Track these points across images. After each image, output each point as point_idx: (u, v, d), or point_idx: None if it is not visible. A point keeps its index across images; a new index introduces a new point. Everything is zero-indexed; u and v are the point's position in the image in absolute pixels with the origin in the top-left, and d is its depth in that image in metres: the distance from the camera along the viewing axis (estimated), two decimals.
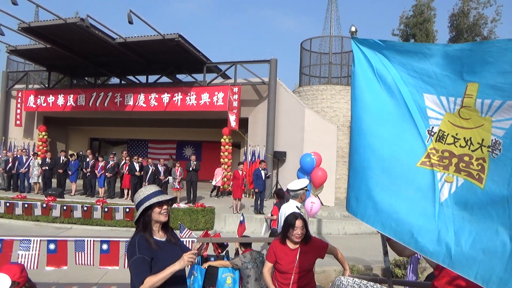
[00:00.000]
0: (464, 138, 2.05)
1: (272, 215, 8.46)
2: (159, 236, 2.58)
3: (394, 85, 2.28)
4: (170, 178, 14.15)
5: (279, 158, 15.35)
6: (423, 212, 2.09)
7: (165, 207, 2.58)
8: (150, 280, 2.29)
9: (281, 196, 10.06)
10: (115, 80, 21.92)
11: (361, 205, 2.39)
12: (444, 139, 2.14)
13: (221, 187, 15.85)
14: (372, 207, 2.26)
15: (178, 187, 13.47)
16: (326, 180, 10.85)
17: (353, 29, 2.62)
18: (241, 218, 9.56)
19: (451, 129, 2.11)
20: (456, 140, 2.09)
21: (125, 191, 14.24)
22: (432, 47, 2.13)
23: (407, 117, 2.23)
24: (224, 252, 5.53)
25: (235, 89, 15.87)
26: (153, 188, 2.61)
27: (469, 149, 2.03)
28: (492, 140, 1.94)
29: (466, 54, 1.99)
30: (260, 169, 12.54)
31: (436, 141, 2.17)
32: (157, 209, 2.54)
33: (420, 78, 2.19)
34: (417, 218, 2.08)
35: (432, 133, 2.19)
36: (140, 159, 14.57)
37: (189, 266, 2.47)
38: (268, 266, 3.31)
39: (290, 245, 3.29)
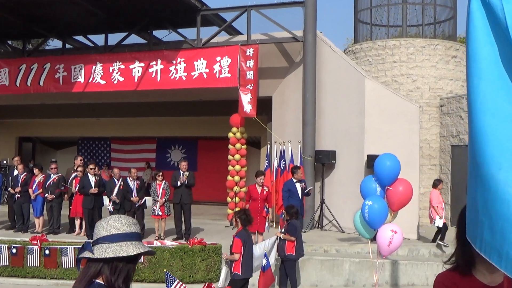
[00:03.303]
0: None
1: (232, 252, 8.59)
2: None
3: None
4: (148, 199, 14.26)
5: (324, 162, 15.28)
6: None
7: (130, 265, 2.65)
8: None
9: (293, 214, 10.21)
10: (55, 44, 22.30)
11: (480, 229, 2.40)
12: None
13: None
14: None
15: (160, 213, 13.56)
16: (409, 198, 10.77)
17: None
18: (264, 262, 9.60)
19: None
20: None
21: (77, 222, 14.34)
22: None
23: None
24: None
25: (250, 51, 15.88)
26: (121, 225, 2.64)
27: None
28: None
29: None
30: (294, 181, 12.49)
31: None
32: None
33: None
34: None
35: None
36: (97, 169, 14.75)
37: None
38: None
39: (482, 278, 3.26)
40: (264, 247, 9.89)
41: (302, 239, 12.11)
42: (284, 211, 10.54)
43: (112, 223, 2.63)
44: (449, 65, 17.43)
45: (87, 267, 2.67)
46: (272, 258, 10.12)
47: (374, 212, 9.54)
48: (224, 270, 8.98)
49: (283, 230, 10.31)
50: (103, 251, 2.58)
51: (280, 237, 10.24)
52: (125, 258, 2.59)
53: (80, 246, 2.69)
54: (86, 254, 2.61)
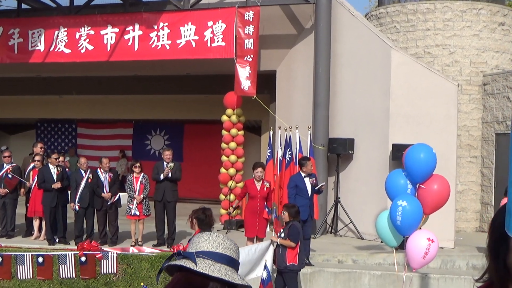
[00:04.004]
0: None
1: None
2: None
3: None
4: (123, 196, 14.28)
5: (340, 152, 15.30)
6: None
7: None
8: None
9: (294, 215, 10.20)
10: (8, 3, 22.13)
11: None
12: None
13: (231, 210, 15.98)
14: None
15: (138, 213, 13.57)
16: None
17: None
18: (264, 275, 9.64)
19: None
20: None
21: (35, 223, 14.36)
22: None
23: None
24: None
25: (249, 15, 15.81)
26: (228, 246, 2.77)
27: None
28: None
29: None
30: (303, 175, 12.50)
31: None
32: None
33: None
34: None
35: None
36: (61, 158, 14.74)
37: None
38: None
39: None
40: (249, 253, 9.85)
41: (309, 246, 12.20)
42: (283, 211, 10.52)
43: (220, 241, 2.73)
44: (495, 34, 17.40)
45: (188, 279, 2.72)
46: (261, 269, 9.98)
47: (408, 216, 9.46)
48: None
49: (281, 234, 10.31)
50: (207, 267, 2.65)
51: (277, 243, 10.24)
52: (225, 283, 2.67)
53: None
54: (187, 264, 2.67)
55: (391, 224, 9.78)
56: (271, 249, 10.21)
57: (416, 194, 10.04)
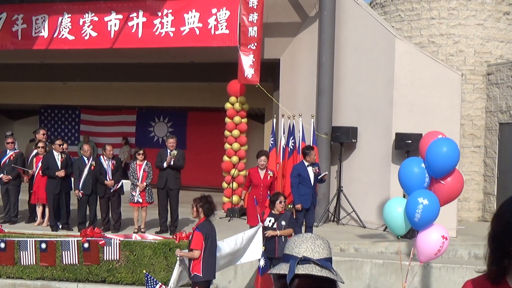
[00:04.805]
0: None
1: (191, 249, 8.66)
2: None
3: None
4: (126, 183, 14.30)
5: (343, 141, 15.28)
6: None
7: None
8: None
9: (272, 204, 10.26)
10: None
11: None
12: None
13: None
14: None
15: (141, 200, 13.62)
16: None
17: None
18: (261, 263, 9.65)
19: None
20: None
21: (38, 210, 14.40)
22: None
23: None
24: None
25: (253, 2, 15.75)
26: (321, 247, 2.89)
27: None
28: None
29: None
30: (306, 164, 12.50)
31: None
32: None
33: None
34: None
35: None
36: (65, 145, 14.76)
37: None
38: None
39: None
40: (243, 239, 9.87)
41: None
42: (282, 201, 10.49)
43: (327, 245, 2.91)
44: (499, 23, 17.34)
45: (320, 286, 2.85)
46: (259, 252, 9.94)
47: (427, 213, 9.35)
48: (176, 269, 8.97)
49: (281, 222, 10.27)
50: (335, 274, 2.81)
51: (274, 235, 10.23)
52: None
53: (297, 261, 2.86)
54: (330, 275, 2.78)
55: (403, 214, 9.69)
56: (260, 235, 10.17)
57: (431, 188, 9.95)
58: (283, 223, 10.20)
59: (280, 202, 10.32)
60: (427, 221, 9.45)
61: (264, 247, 9.94)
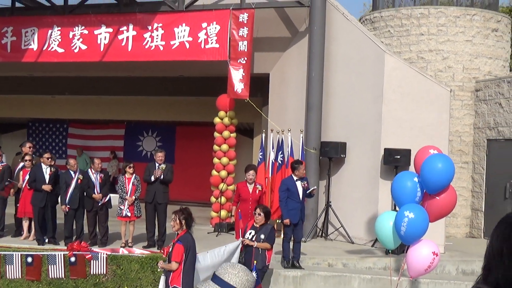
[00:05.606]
0: None
1: (171, 261, 8.67)
2: None
3: None
4: (114, 197, 14.24)
5: (332, 156, 15.29)
6: None
7: None
8: None
9: (269, 217, 10.28)
10: (2, 2, 22.03)
11: None
12: None
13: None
14: None
15: (129, 214, 13.52)
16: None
17: None
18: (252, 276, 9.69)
19: None
20: None
21: (25, 224, 14.23)
22: None
23: None
24: None
25: (243, 17, 15.81)
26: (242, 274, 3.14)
27: None
28: None
29: None
30: (295, 178, 12.49)
31: None
32: None
33: None
34: None
35: None
36: (52, 159, 14.67)
37: None
38: None
39: None
40: (224, 253, 9.89)
41: (300, 249, 12.34)
42: (264, 212, 10.51)
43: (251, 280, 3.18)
44: (488, 40, 17.46)
45: None
46: None
47: (413, 227, 9.39)
48: (162, 281, 9.02)
49: (260, 235, 10.30)
50: None
51: (252, 246, 10.29)
52: None
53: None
54: None
55: (393, 229, 9.72)
56: (239, 250, 10.26)
57: (424, 203, 9.96)
58: (262, 236, 10.25)
59: (257, 214, 10.37)
60: (413, 235, 9.47)
61: (243, 258, 10.03)
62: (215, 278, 3.09)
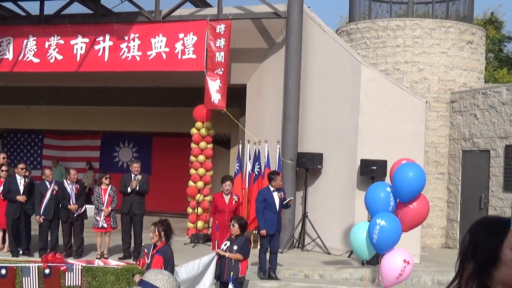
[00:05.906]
0: None
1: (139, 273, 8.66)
2: None
3: None
4: (89, 208, 14.15)
5: (308, 167, 15.32)
6: None
7: None
8: None
9: (245, 228, 10.27)
10: None
11: None
12: None
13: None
14: None
15: (105, 225, 13.45)
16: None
17: None
18: None
19: None
20: None
21: None
22: None
23: None
24: None
25: (220, 28, 15.83)
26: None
27: None
28: None
29: None
30: (272, 189, 12.50)
31: None
32: None
33: None
34: None
35: None
36: (27, 169, 14.55)
37: None
38: None
39: None
40: (199, 266, 9.87)
41: (276, 260, 12.34)
42: (233, 223, 10.47)
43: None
44: (463, 52, 17.63)
45: None
46: (209, 281, 10.07)
47: (385, 235, 9.46)
48: None
49: (233, 247, 10.27)
50: None
51: (225, 256, 10.24)
52: None
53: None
54: None
55: (367, 238, 9.78)
56: (214, 263, 10.20)
57: (398, 212, 10.03)
58: (235, 247, 10.18)
59: (231, 225, 10.35)
60: (386, 243, 9.53)
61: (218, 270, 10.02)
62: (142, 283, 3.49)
